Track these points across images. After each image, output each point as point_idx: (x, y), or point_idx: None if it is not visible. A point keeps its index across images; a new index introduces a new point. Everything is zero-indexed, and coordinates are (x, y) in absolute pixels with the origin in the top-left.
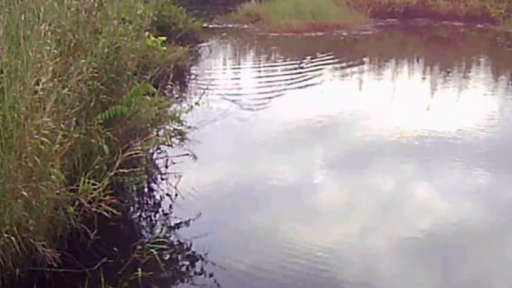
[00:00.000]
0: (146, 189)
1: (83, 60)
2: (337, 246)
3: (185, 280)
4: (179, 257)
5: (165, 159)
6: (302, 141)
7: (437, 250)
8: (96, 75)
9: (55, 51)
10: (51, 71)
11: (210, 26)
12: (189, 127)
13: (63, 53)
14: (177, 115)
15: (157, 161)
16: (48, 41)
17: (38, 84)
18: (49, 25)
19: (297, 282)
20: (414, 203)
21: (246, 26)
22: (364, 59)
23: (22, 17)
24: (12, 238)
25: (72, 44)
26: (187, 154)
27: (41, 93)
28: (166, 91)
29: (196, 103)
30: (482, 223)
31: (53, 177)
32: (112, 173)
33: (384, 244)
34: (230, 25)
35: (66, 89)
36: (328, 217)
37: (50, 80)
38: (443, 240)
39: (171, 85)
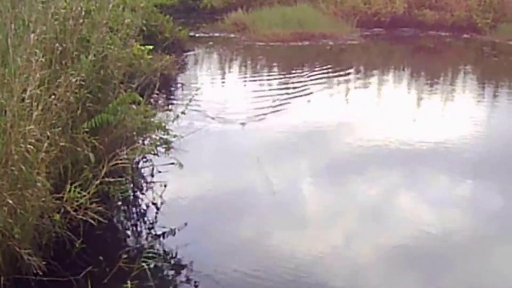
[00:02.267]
0: (131, 198)
1: (70, 70)
2: (324, 254)
3: None
4: (165, 265)
5: (150, 168)
6: (289, 150)
7: (425, 259)
8: (83, 83)
9: (42, 59)
10: (38, 79)
11: (197, 35)
12: (175, 136)
13: (50, 61)
14: (163, 124)
15: (142, 170)
16: (37, 50)
17: (25, 92)
18: (38, 34)
19: None
20: (404, 212)
21: (232, 35)
22: (351, 68)
23: (12, 26)
24: None
25: (59, 53)
26: (173, 163)
27: (28, 101)
28: (152, 100)
29: (182, 112)
30: (470, 232)
31: (38, 184)
32: (98, 182)
33: (372, 253)
34: (217, 34)
35: (53, 97)
36: (315, 225)
37: (37, 88)
38: (431, 249)
39: (157, 94)
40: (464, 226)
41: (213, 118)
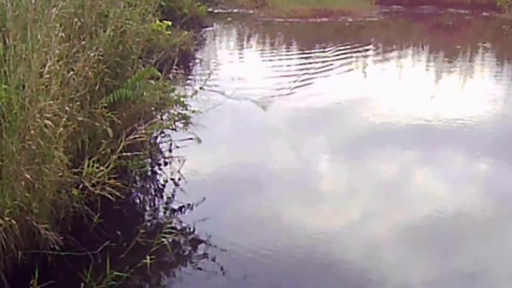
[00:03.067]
0: (149, 173)
1: (89, 44)
2: (340, 230)
3: (187, 263)
4: (182, 240)
5: (169, 143)
6: (308, 127)
7: (441, 236)
8: (101, 58)
9: (62, 34)
10: (57, 54)
11: (215, 11)
12: (193, 112)
13: (69, 36)
14: (181, 99)
15: (161, 145)
16: (57, 25)
17: (44, 67)
18: (58, 9)
19: (299, 266)
20: (420, 189)
21: (251, 11)
22: (370, 46)
23: (33, 1)
24: (15, 220)
25: (77, 28)
26: (191, 138)
27: (46, 76)
28: (170, 75)
29: (201, 88)
30: (486, 210)
31: (56, 159)
32: (115, 157)
33: (387, 230)
34: (235, 10)
35: (72, 72)
36: (331, 201)
37: (56, 63)
38: (446, 226)
39: (175, 69)
40: (480, 204)
41: (229, 97)
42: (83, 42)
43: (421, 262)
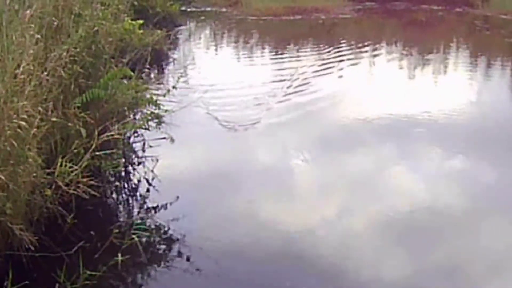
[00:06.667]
0: (123, 173)
1: (63, 46)
2: (317, 226)
3: (163, 263)
4: (157, 240)
5: (142, 142)
6: (281, 124)
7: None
8: (75, 59)
9: (37, 35)
10: (31, 54)
11: (188, 9)
12: (166, 111)
13: (43, 37)
14: (154, 98)
15: (134, 145)
16: (32, 25)
17: (18, 68)
18: (32, 10)
19: (275, 264)
20: (396, 185)
21: (224, 9)
22: (344, 42)
23: (7, 1)
24: None
25: (50, 28)
26: (164, 138)
27: (21, 77)
28: (143, 75)
29: (174, 87)
30: (460, 205)
31: (30, 160)
32: (88, 156)
33: (364, 225)
34: (208, 9)
35: (45, 73)
36: (307, 198)
37: (30, 64)
38: (421, 221)
39: (148, 68)
40: (454, 199)
41: (204, 91)
42: (56, 43)
43: (395, 254)
